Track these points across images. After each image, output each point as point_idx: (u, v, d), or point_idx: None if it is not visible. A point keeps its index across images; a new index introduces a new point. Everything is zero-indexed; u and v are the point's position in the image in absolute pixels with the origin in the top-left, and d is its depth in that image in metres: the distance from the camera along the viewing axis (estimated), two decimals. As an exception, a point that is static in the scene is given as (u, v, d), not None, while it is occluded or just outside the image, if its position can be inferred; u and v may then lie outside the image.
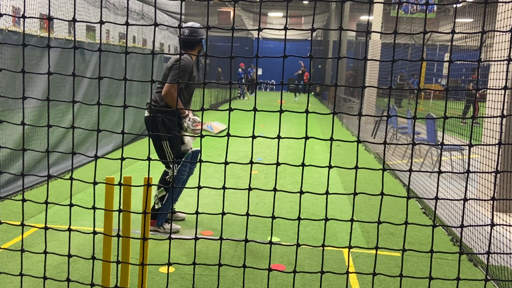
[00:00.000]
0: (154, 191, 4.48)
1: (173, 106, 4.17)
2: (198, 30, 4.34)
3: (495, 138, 5.05)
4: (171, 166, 4.36)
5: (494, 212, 5.23)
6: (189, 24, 4.39)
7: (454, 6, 2.65)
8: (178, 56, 4.29)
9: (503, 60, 1.98)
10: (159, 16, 15.26)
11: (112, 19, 13.22)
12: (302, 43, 33.06)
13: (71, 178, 2.27)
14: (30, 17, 2.20)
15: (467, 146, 2.12)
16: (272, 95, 28.86)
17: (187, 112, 4.33)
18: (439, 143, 3.94)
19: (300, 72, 26.31)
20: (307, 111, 2.13)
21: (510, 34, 1.73)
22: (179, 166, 4.34)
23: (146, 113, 4.40)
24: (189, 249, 4.05)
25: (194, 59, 4.46)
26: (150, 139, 4.40)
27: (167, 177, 4.40)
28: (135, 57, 8.69)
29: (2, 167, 5.09)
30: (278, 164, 2.16)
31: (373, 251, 4.04)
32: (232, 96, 19.37)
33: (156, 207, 4.39)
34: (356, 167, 2.12)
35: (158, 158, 4.38)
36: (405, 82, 21.30)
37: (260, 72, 31.37)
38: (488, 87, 2.62)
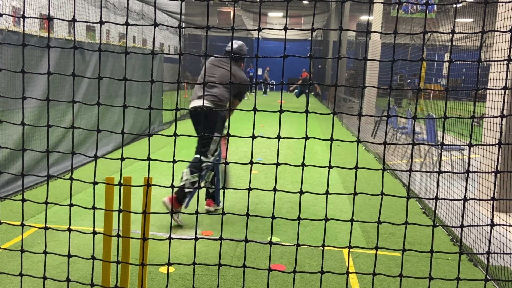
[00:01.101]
0: (185, 174, 4.60)
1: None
2: (243, 48, 5.16)
3: (495, 138, 5.05)
4: (208, 155, 4.64)
5: (494, 212, 5.23)
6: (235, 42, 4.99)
7: (454, 6, 2.65)
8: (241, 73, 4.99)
9: (503, 60, 1.98)
10: (159, 16, 15.26)
11: (112, 19, 13.22)
12: (302, 43, 33.06)
13: (71, 178, 2.27)
14: (30, 17, 2.20)
15: (467, 146, 2.12)
16: (272, 95, 28.86)
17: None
18: (439, 143, 3.93)
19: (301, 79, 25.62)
20: (307, 111, 2.13)
21: (510, 34, 1.73)
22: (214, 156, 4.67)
23: (207, 103, 4.67)
24: (189, 249, 4.05)
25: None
26: (204, 124, 4.64)
27: (203, 165, 4.63)
28: (135, 57, 8.68)
29: (2, 167, 5.10)
30: (278, 164, 2.16)
31: (373, 251, 4.04)
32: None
33: (186, 190, 4.56)
34: (356, 167, 2.12)
35: (200, 147, 4.67)
36: (405, 82, 21.30)
37: (260, 72, 31.34)
38: (488, 87, 2.62)
